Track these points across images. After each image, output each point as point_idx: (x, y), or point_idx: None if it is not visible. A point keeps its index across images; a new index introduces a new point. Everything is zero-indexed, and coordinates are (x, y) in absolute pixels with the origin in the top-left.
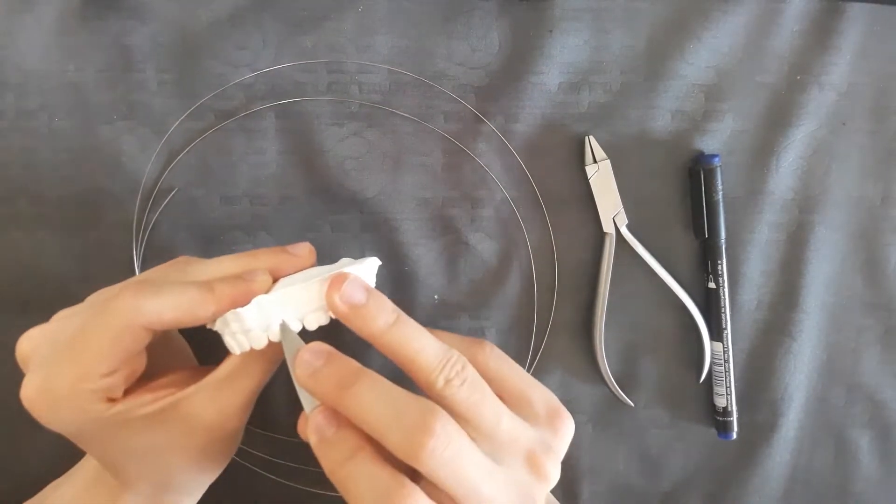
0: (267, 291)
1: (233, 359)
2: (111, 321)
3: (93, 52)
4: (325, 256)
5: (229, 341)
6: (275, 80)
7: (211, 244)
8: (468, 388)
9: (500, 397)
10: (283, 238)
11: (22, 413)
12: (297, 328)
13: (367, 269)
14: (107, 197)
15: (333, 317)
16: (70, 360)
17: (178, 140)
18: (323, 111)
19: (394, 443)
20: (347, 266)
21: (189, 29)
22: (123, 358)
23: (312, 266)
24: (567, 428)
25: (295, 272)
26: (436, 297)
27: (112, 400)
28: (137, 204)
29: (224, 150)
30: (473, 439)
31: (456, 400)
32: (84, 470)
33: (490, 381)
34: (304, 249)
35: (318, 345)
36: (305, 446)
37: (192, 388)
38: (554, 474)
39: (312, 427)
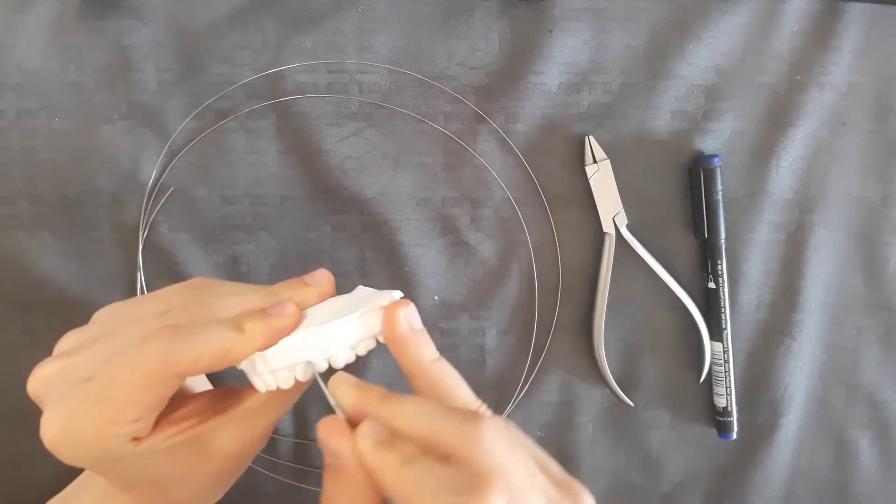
0: (297, 325)
1: (258, 396)
2: (143, 369)
3: (92, 52)
4: (325, 257)
5: (256, 381)
6: (275, 80)
7: (211, 244)
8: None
9: None
10: (283, 238)
11: (21, 413)
12: (323, 367)
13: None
14: (107, 197)
15: (361, 354)
16: (96, 403)
17: (178, 140)
18: (323, 111)
19: (447, 429)
20: (366, 294)
21: (189, 29)
22: (155, 404)
23: (332, 295)
24: (588, 501)
25: (317, 302)
26: (436, 297)
27: (137, 439)
28: (138, 204)
29: (224, 149)
30: None
31: None
32: (92, 488)
33: None
34: (323, 278)
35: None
36: (306, 448)
37: (214, 422)
38: None
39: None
